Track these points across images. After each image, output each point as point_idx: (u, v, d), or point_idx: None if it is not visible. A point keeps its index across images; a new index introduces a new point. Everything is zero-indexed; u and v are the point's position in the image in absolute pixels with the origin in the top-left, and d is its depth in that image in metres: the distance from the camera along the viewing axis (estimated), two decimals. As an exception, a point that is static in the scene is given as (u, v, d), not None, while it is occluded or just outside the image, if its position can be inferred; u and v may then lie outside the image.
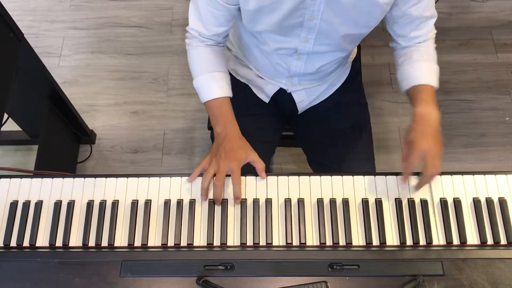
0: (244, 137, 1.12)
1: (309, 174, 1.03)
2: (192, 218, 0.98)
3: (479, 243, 0.96)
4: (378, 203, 0.99)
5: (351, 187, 1.02)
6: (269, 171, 1.05)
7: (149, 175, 1.03)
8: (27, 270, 0.92)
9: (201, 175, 1.03)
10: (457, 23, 2.37)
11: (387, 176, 1.03)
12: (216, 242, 0.96)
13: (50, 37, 2.33)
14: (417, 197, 1.00)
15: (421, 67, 1.13)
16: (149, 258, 0.93)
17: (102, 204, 0.99)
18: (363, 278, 0.90)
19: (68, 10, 2.41)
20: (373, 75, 2.23)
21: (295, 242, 0.96)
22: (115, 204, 0.99)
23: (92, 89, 2.19)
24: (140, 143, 2.07)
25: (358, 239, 0.96)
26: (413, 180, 1.02)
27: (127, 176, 1.03)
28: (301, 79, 1.28)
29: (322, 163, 1.34)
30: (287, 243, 0.96)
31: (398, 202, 1.00)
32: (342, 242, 0.96)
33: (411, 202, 1.00)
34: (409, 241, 0.96)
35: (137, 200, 1.00)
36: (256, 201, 1.00)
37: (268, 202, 1.00)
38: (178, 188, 1.02)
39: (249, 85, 1.35)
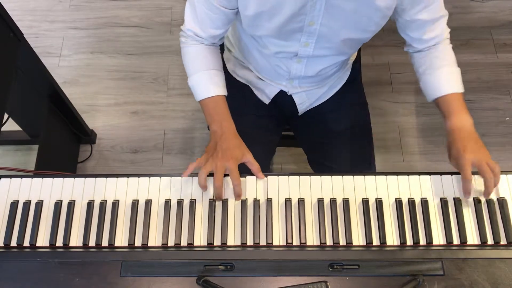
0: (244, 138, 1.12)
1: (310, 174, 1.03)
2: (193, 218, 0.98)
3: (479, 243, 0.96)
4: (379, 203, 0.99)
5: (352, 187, 1.02)
6: (269, 171, 1.05)
7: (149, 175, 1.03)
8: (27, 270, 0.92)
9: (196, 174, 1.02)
10: (457, 23, 2.37)
11: (388, 176, 1.03)
12: (217, 242, 0.96)
13: (50, 37, 2.33)
14: (417, 197, 1.00)
15: (443, 74, 1.12)
16: (150, 258, 0.93)
17: (103, 204, 0.99)
18: (363, 278, 0.90)
19: (68, 10, 2.41)
20: (373, 75, 2.23)
21: (296, 242, 0.96)
22: (115, 204, 0.99)
23: (92, 89, 2.19)
24: (140, 143, 2.07)
25: (358, 239, 0.96)
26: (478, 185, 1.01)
27: (128, 176, 1.03)
28: (302, 82, 1.28)
29: (323, 163, 1.34)
30: (287, 243, 0.96)
31: (398, 202, 1.00)
32: (342, 242, 0.96)
33: (411, 202, 1.00)
34: (409, 241, 0.96)
35: (138, 200, 1.00)
36: (256, 201, 1.00)
37: (269, 202, 1.00)
38: (179, 188, 1.02)
39: (250, 86, 1.35)
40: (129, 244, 0.96)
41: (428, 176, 1.03)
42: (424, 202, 0.99)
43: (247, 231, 0.97)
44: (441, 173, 1.03)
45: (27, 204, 0.99)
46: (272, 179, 1.03)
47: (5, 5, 1.29)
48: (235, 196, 1.00)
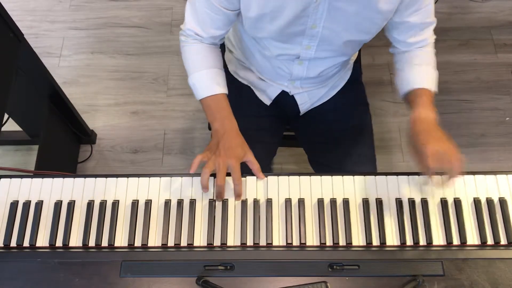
0: (245, 139, 1.11)
1: (310, 174, 1.03)
2: (192, 218, 0.98)
3: (479, 243, 0.96)
4: (379, 203, 0.99)
5: (352, 187, 1.02)
6: (269, 171, 1.05)
7: (149, 175, 1.03)
8: (27, 270, 0.92)
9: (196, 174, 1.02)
10: (457, 23, 2.37)
11: (388, 176, 1.03)
12: (216, 242, 0.96)
13: (50, 37, 2.33)
14: (417, 197, 1.00)
15: (420, 71, 1.13)
16: (149, 258, 0.93)
17: (103, 204, 0.99)
18: (363, 278, 0.90)
19: (68, 10, 2.41)
20: (373, 75, 2.23)
21: (295, 242, 0.96)
22: (115, 204, 0.99)
23: (92, 89, 2.19)
24: (140, 143, 2.07)
25: (358, 239, 0.96)
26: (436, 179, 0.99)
27: (128, 176, 1.03)
28: (303, 83, 1.28)
29: (323, 163, 1.34)
30: (287, 243, 0.96)
31: (399, 202, 1.00)
32: (342, 242, 0.96)
33: (411, 202, 1.00)
34: (409, 241, 0.96)
35: (138, 200, 1.00)
36: (256, 201, 1.00)
37: (269, 202, 1.00)
38: (179, 188, 1.02)
39: (251, 87, 1.35)
40: (129, 245, 0.96)
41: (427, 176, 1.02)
42: (424, 202, 0.99)
43: (247, 231, 0.97)
44: (441, 173, 1.03)
45: (27, 204, 0.99)
46: (272, 179, 1.03)
47: (5, 5, 1.29)
48: (235, 196, 1.00)
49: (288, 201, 0.99)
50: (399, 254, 0.93)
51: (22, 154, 2.04)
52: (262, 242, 0.96)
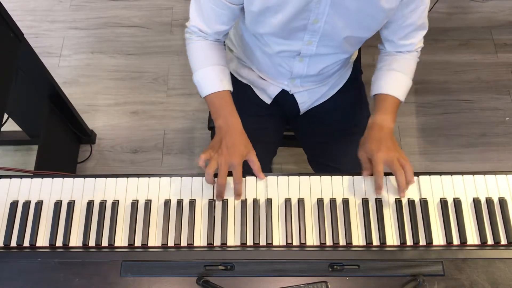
0: None
1: (309, 174, 1.03)
2: (192, 218, 0.98)
3: (479, 243, 0.96)
4: (378, 203, 0.99)
5: (352, 187, 1.02)
6: (269, 171, 1.05)
7: (149, 175, 1.03)
8: (27, 270, 0.92)
9: (196, 174, 1.02)
10: (457, 23, 2.37)
11: (387, 176, 1.03)
12: (216, 242, 0.96)
13: (50, 37, 2.33)
14: (417, 197, 1.00)
15: (394, 77, 1.15)
16: (149, 258, 0.93)
17: (102, 204, 0.99)
18: (363, 278, 0.90)
19: (68, 10, 2.41)
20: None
21: (295, 242, 0.96)
22: (115, 204, 0.99)
23: (92, 89, 2.19)
24: (140, 143, 2.07)
25: (358, 239, 0.96)
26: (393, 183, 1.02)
27: (127, 176, 1.03)
28: (304, 81, 1.28)
29: (323, 163, 1.34)
30: (287, 243, 0.96)
31: (398, 202, 1.00)
32: (342, 242, 0.96)
33: (411, 202, 1.00)
34: (409, 241, 0.96)
35: (137, 200, 1.00)
36: (256, 201, 1.00)
37: (268, 202, 1.00)
38: (178, 188, 1.02)
39: (251, 86, 1.35)
40: (129, 244, 0.96)
41: (428, 176, 1.03)
42: (424, 202, 0.99)
43: (247, 231, 0.97)
44: (441, 173, 1.03)
45: (26, 204, 0.99)
46: (272, 179, 1.03)
47: (5, 5, 1.29)
48: (235, 195, 1.00)
49: (288, 201, 0.99)
50: (399, 254, 0.93)
51: (22, 154, 2.04)
52: (262, 242, 0.96)
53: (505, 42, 2.32)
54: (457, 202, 0.99)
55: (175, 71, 2.24)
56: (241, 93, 1.33)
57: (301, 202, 0.99)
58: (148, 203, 0.99)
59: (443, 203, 0.99)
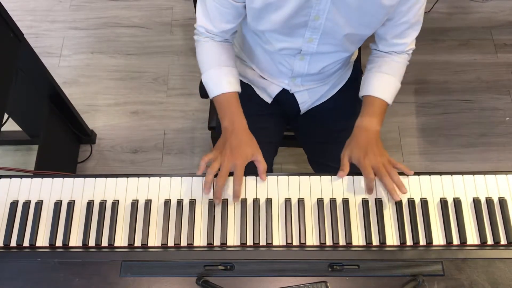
0: None
1: (309, 174, 1.03)
2: (192, 218, 0.98)
3: (479, 243, 0.96)
4: (378, 203, 0.99)
5: (351, 187, 1.02)
6: (271, 171, 1.04)
7: (149, 175, 1.03)
8: (27, 270, 0.92)
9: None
10: (457, 23, 2.37)
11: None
12: (216, 242, 0.96)
13: (50, 37, 2.33)
14: (417, 197, 1.00)
15: (383, 80, 1.16)
16: (149, 258, 0.93)
17: (102, 204, 0.99)
18: (363, 278, 0.90)
19: (68, 10, 2.41)
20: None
21: (295, 242, 0.96)
22: (115, 204, 0.99)
23: (92, 89, 2.19)
24: (140, 143, 2.07)
25: (358, 239, 0.96)
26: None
27: (127, 176, 1.03)
28: (304, 80, 1.28)
29: (323, 163, 1.34)
30: (287, 243, 0.96)
31: (398, 202, 1.00)
32: (342, 242, 0.96)
33: (411, 202, 1.00)
34: (409, 241, 0.96)
35: (137, 200, 1.00)
36: (256, 201, 1.00)
37: (268, 202, 1.00)
38: (178, 188, 1.02)
39: (252, 85, 1.35)
40: (129, 244, 0.96)
41: (428, 176, 1.03)
42: (424, 202, 0.99)
43: (247, 231, 0.97)
44: (441, 173, 1.03)
45: (26, 204, 0.99)
46: (272, 179, 1.03)
47: (5, 5, 1.29)
48: (233, 197, 1.00)
49: (287, 201, 0.99)
50: (399, 254, 0.93)
51: (22, 154, 2.04)
52: (262, 242, 0.96)
53: (505, 42, 2.32)
54: (457, 202, 0.99)
55: (175, 71, 2.24)
56: (242, 92, 1.33)
57: (301, 202, 0.99)
58: (148, 203, 0.99)
59: (443, 203, 0.99)
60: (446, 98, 2.18)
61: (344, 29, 1.06)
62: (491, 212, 0.98)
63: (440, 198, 1.00)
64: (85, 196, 1.01)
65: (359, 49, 1.44)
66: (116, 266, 0.91)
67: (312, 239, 0.96)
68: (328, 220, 0.98)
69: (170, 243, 0.96)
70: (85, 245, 0.96)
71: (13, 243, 0.96)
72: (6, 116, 1.58)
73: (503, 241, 0.96)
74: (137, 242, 0.96)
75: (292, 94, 1.32)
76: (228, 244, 0.96)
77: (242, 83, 1.35)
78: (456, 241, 0.96)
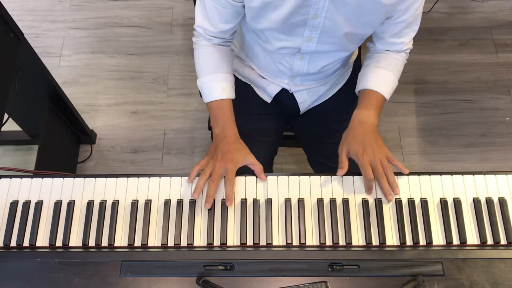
0: (246, 137, 1.12)
1: (309, 174, 1.03)
2: (192, 218, 0.98)
3: (479, 243, 0.96)
4: (378, 203, 0.99)
5: (352, 187, 1.02)
6: (270, 171, 1.05)
7: (149, 175, 1.03)
8: (27, 270, 0.92)
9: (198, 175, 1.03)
10: (457, 23, 2.37)
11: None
12: (216, 242, 0.96)
13: (50, 37, 2.33)
14: (417, 197, 1.00)
15: (381, 74, 1.16)
16: (149, 258, 0.93)
17: (102, 204, 0.99)
18: (363, 278, 0.90)
19: (68, 10, 2.41)
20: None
21: (295, 242, 0.96)
22: (115, 204, 0.99)
23: (92, 89, 2.19)
24: (140, 143, 2.07)
25: (358, 239, 0.96)
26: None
27: (127, 176, 1.03)
28: (304, 79, 1.28)
29: (323, 163, 1.34)
30: (287, 243, 0.96)
31: (398, 202, 1.00)
32: (342, 242, 0.96)
33: (411, 202, 1.00)
34: (409, 241, 0.96)
35: (137, 200, 1.00)
36: (256, 201, 1.00)
37: (268, 202, 1.00)
38: (178, 188, 1.02)
39: (251, 85, 1.35)
40: (128, 244, 0.96)
41: (428, 176, 1.03)
42: (424, 202, 0.99)
43: (247, 231, 0.97)
44: (441, 173, 1.03)
45: (26, 204, 0.99)
46: (271, 179, 1.03)
47: (5, 5, 1.29)
48: (226, 200, 1.00)
49: (287, 201, 0.99)
50: (399, 254, 0.93)
51: (22, 154, 2.04)
52: (262, 242, 0.96)
53: (505, 42, 2.32)
54: (457, 202, 0.99)
55: (175, 71, 2.24)
56: (242, 92, 1.33)
57: (301, 202, 0.99)
58: (148, 203, 0.99)
59: (443, 203, 0.99)
60: (446, 98, 2.18)
61: (343, 28, 1.06)
62: (491, 212, 0.98)
63: (440, 198, 1.00)
64: (85, 196, 1.01)
65: (359, 49, 1.43)
66: (116, 266, 0.91)
67: (312, 239, 0.96)
68: (328, 220, 0.98)
69: (170, 243, 0.96)
70: (85, 245, 0.96)
71: (13, 243, 0.96)
72: (6, 116, 1.58)
73: (503, 241, 0.96)
74: (137, 242, 0.96)
75: (292, 93, 1.32)
76: (228, 244, 0.96)
77: (242, 83, 1.35)
78: (456, 241, 0.96)
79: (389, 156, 1.05)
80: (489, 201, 0.99)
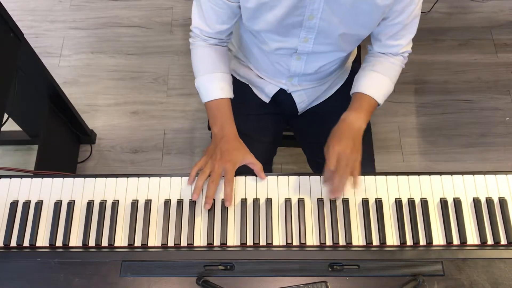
0: (245, 137, 1.12)
1: (309, 174, 1.04)
2: (192, 218, 0.98)
3: (479, 243, 0.96)
4: (378, 203, 0.99)
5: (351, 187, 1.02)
6: (270, 171, 1.05)
7: (149, 175, 1.03)
8: (27, 270, 0.92)
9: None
10: (457, 23, 2.37)
11: (387, 176, 1.03)
12: (216, 242, 0.96)
13: (50, 37, 2.33)
14: (417, 197, 1.00)
15: (376, 79, 1.15)
16: (149, 258, 0.93)
17: (102, 204, 0.99)
18: (363, 278, 0.90)
19: (68, 10, 2.41)
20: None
21: (295, 242, 0.96)
22: (115, 204, 0.99)
23: (92, 89, 2.19)
24: (140, 143, 2.07)
25: (358, 239, 0.96)
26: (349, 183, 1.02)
27: (127, 176, 1.03)
28: (301, 80, 1.28)
29: (322, 163, 1.33)
30: (287, 243, 0.96)
31: (398, 202, 1.00)
32: (342, 242, 0.96)
33: (411, 202, 1.00)
34: (409, 241, 0.96)
35: (137, 200, 1.00)
36: (256, 201, 1.00)
37: (268, 202, 1.00)
38: (178, 188, 1.02)
39: (250, 85, 1.35)
40: (128, 244, 0.96)
41: (428, 176, 1.03)
42: (424, 202, 0.99)
43: (247, 231, 0.97)
44: (441, 173, 1.03)
45: (26, 204, 0.99)
46: (271, 179, 1.03)
47: (5, 5, 1.29)
48: (225, 200, 1.00)
49: (287, 201, 0.99)
50: (399, 254, 0.93)
51: (22, 154, 2.04)
52: (262, 242, 0.96)
53: (505, 42, 2.32)
54: (457, 202, 0.99)
55: (175, 71, 2.24)
56: (240, 92, 1.33)
57: (301, 202, 0.99)
58: (148, 203, 0.99)
59: (443, 203, 0.99)
60: (446, 98, 2.18)
61: (339, 29, 1.06)
62: (491, 212, 0.98)
63: (440, 198, 1.00)
64: (85, 196, 1.01)
65: (359, 50, 1.43)
66: (116, 266, 0.91)
67: (312, 239, 0.96)
68: (328, 220, 0.98)
69: (170, 243, 0.96)
70: (85, 245, 0.96)
71: (13, 243, 0.96)
72: (6, 116, 1.58)
73: (503, 241, 0.96)
74: (137, 242, 0.96)
75: (290, 94, 1.32)
76: (228, 244, 0.96)
77: (240, 83, 1.35)
78: (456, 241, 0.96)
79: (358, 164, 1.03)
80: (489, 201, 0.99)
